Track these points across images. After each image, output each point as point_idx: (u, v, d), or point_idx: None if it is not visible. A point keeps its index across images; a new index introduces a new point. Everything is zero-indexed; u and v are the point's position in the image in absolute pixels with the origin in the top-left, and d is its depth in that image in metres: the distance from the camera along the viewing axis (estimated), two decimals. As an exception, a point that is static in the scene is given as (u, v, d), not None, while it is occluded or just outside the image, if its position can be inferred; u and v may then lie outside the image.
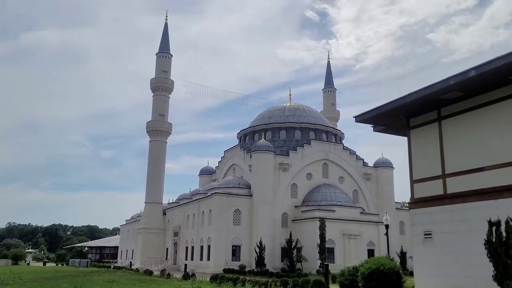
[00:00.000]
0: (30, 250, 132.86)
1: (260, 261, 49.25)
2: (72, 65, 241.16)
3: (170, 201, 74.04)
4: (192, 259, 58.09)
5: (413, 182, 18.49)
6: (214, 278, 29.90)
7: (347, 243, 53.38)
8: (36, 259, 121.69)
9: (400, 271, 14.05)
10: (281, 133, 64.46)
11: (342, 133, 69.03)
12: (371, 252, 54.99)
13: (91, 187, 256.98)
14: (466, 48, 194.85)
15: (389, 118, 19.61)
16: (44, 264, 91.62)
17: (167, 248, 67.97)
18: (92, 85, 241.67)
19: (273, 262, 52.34)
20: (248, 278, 27.58)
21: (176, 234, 65.11)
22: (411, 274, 53.50)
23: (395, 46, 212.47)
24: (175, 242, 65.08)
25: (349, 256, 52.64)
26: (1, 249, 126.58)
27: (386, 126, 20.63)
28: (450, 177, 16.76)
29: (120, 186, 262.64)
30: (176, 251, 64.56)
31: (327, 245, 48.70)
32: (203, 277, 33.57)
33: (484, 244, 12.80)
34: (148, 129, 72.04)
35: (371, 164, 64.44)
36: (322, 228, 46.45)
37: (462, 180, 16.28)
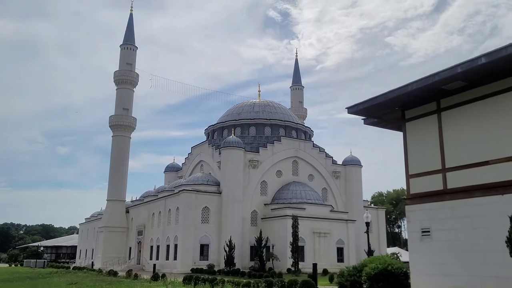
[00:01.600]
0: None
1: (229, 260, 47.85)
2: (28, 58, 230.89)
3: (133, 199, 71.39)
4: (157, 258, 55.92)
5: (409, 177, 17.63)
6: (188, 279, 28.30)
7: (317, 241, 52.82)
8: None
9: (408, 270, 13.08)
10: (251, 129, 63.24)
11: (312, 130, 68.60)
12: (340, 250, 54.78)
13: (47, 185, 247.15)
14: (423, 52, 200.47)
15: (383, 110, 18.71)
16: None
17: (130, 248, 65.35)
18: (49, 79, 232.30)
19: (242, 261, 51.12)
20: (226, 279, 26.15)
21: (140, 232, 62.65)
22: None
23: (355, 48, 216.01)
24: (139, 241, 62.62)
25: (318, 254, 52.19)
26: None
27: (379, 118, 19.74)
28: (451, 172, 15.97)
29: (77, 184, 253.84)
30: (140, 251, 62.12)
31: (297, 244, 47.89)
32: (174, 277, 31.82)
33: (506, 242, 11.99)
34: (111, 123, 69.02)
35: (339, 162, 64.28)
36: (295, 226, 45.59)
37: (464, 174, 15.51)
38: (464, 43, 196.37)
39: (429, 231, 16.34)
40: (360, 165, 63.92)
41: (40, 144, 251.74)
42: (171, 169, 72.08)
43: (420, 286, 16.15)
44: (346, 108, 19.21)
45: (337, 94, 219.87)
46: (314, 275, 21.24)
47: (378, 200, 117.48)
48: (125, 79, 69.91)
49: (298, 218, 48.32)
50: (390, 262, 13.06)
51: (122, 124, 68.45)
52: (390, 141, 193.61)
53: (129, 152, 70.17)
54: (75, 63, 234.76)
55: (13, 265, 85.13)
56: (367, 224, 29.01)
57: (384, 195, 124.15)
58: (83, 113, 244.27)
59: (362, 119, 20.54)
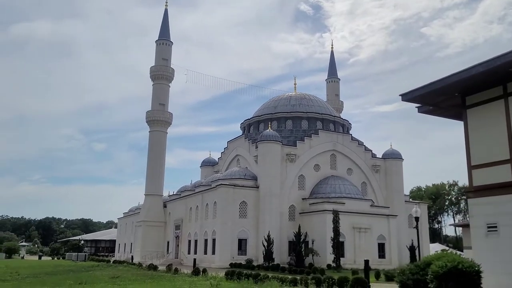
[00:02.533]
0: (23, 243, 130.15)
1: (268, 255, 47.17)
2: (64, 57, 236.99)
3: (170, 194, 71.83)
4: (195, 253, 55.91)
5: (471, 168, 16.37)
6: (230, 274, 27.73)
7: (357, 237, 51.46)
8: (30, 252, 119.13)
9: (480, 268, 11.96)
10: (287, 123, 62.25)
11: (350, 123, 66.97)
12: (381, 246, 53.22)
13: (84, 181, 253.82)
14: (460, 42, 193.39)
15: (441, 97, 17.46)
16: (40, 258, 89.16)
17: (168, 242, 65.75)
18: (83, 78, 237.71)
19: (281, 256, 50.33)
20: (270, 275, 25.40)
21: (177, 227, 62.88)
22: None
23: (389, 40, 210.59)
24: (177, 236, 62.87)
25: (359, 250, 50.88)
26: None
27: (435, 106, 18.47)
28: (522, 162, 14.65)
29: (113, 180, 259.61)
30: (178, 245, 62.36)
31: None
32: (216, 272, 31.37)
33: None
34: (148, 118, 69.50)
35: (379, 155, 62.47)
36: (336, 221, 44.45)
37: (538, 164, 14.19)
38: (505, 32, 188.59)
39: (496, 227, 15.08)
40: (401, 159, 61.92)
41: (77, 141, 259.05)
42: (207, 163, 72.01)
43: (488, 286, 14.94)
44: (400, 95, 18.08)
45: (371, 88, 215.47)
46: (366, 272, 20.20)
47: (417, 195, 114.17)
48: (161, 74, 70.19)
49: (338, 213, 47.15)
50: (459, 259, 11.94)
51: (158, 119, 68.81)
52: (427, 134, 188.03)
53: (165, 147, 70.53)
54: (108, 62, 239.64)
55: (55, 258, 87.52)
56: (417, 219, 27.63)
57: (423, 189, 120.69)
58: (117, 111, 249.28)
59: (416, 107, 19.33)
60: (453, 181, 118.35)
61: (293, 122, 62.17)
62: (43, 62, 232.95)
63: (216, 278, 28.51)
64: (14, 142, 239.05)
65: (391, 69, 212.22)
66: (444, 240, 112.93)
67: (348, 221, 49.99)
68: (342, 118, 66.38)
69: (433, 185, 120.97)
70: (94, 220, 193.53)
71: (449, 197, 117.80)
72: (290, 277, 23.62)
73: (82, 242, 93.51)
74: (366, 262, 20.56)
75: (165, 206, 68.58)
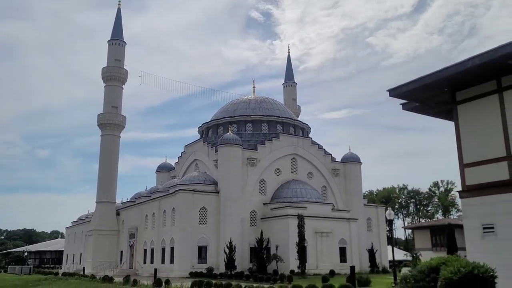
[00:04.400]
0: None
1: (230, 262, 45.51)
2: (5, 59, 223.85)
3: (123, 201, 68.46)
4: (152, 262, 53.24)
5: (463, 166, 15.62)
6: (198, 284, 25.92)
7: (319, 241, 50.85)
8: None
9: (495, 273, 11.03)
10: (247, 126, 60.95)
11: (309, 127, 66.62)
12: (342, 250, 52.92)
13: (26, 189, 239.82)
14: (404, 52, 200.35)
15: (429, 92, 16.66)
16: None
17: (122, 251, 62.40)
18: (27, 81, 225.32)
19: (242, 263, 48.74)
20: (243, 285, 23.84)
21: (132, 235, 59.78)
22: (383, 271, 52.08)
23: (337, 48, 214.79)
24: (131, 245, 59.74)
25: (321, 255, 50.34)
26: None
27: (421, 102, 17.70)
28: (520, 158, 14.01)
29: (57, 188, 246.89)
30: (132, 254, 59.26)
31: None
32: (179, 282, 29.35)
33: None
34: (100, 122, 65.97)
35: (338, 159, 62.47)
36: (301, 226, 43.50)
37: (537, 161, 13.58)
38: (444, 43, 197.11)
39: (493, 228, 14.34)
40: (360, 162, 62.18)
41: (19, 148, 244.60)
42: (163, 169, 69.30)
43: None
44: (387, 90, 17.14)
45: (320, 95, 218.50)
46: (352, 278, 19.09)
47: (369, 198, 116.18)
48: (114, 75, 66.99)
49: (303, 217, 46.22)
50: (473, 264, 10.95)
51: (111, 122, 65.49)
52: (374, 141, 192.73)
53: (118, 151, 67.19)
54: (54, 65, 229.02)
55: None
56: (391, 222, 26.98)
57: (375, 193, 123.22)
58: (63, 116, 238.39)
59: (401, 104, 18.54)
60: (403, 184, 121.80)
61: (253, 126, 60.97)
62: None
63: (182, 289, 26.63)
64: None
65: (340, 76, 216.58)
66: (396, 242, 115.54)
67: (310, 225, 49.15)
68: (302, 122, 65.92)
69: (384, 188, 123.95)
70: (37, 230, 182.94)
71: (399, 201, 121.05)
72: (266, 286, 22.15)
73: (26, 253, 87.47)
74: (352, 268, 19.45)
75: (118, 214, 65.19)
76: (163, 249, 51.46)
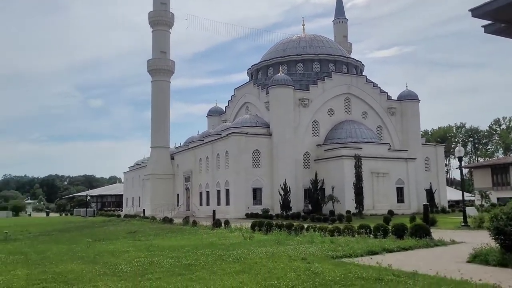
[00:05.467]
0: (29, 201, 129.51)
1: (285, 204, 45.57)
2: (53, 12, 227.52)
3: (177, 146, 69.64)
4: (207, 204, 54.46)
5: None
6: (258, 225, 25.80)
7: (375, 182, 49.69)
8: (36, 209, 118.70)
9: None
10: (298, 66, 58.96)
11: (363, 64, 63.67)
12: (400, 191, 51.67)
13: (83, 137, 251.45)
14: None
15: (521, 10, 14.57)
16: (47, 215, 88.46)
17: (178, 194, 64.25)
18: (75, 33, 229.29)
19: (297, 204, 48.68)
20: (305, 225, 23.42)
21: (187, 179, 61.10)
22: (442, 211, 50.62)
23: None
24: (187, 188, 61.23)
25: (377, 196, 49.36)
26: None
27: (508, 23, 15.63)
28: None
29: (112, 136, 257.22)
30: (188, 197, 60.86)
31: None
32: (241, 224, 29.47)
33: None
34: (150, 68, 66.07)
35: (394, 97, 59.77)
36: (358, 167, 42.45)
37: None
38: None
39: None
40: (418, 100, 59.24)
41: (73, 98, 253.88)
42: (214, 113, 69.30)
43: None
44: (470, 10, 15.21)
45: (368, 33, 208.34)
46: (425, 217, 18.10)
47: (425, 138, 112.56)
48: (161, 20, 66.11)
49: (354, 158, 45.03)
50: None
51: (161, 68, 65.44)
52: (427, 78, 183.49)
53: (169, 97, 67.59)
54: (100, 15, 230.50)
55: (63, 215, 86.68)
56: (460, 159, 25.32)
57: (430, 133, 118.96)
58: (112, 66, 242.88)
59: (483, 26, 16.56)
60: (460, 123, 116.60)
61: (304, 65, 58.89)
62: (31, 17, 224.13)
63: (242, 229, 26.68)
64: (11, 100, 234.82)
65: (388, 12, 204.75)
66: (452, 183, 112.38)
67: (366, 166, 47.79)
68: (355, 59, 62.97)
69: (440, 128, 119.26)
70: (97, 176, 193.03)
71: (456, 140, 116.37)
72: (330, 226, 21.59)
73: (89, 198, 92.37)
74: (426, 206, 18.39)
75: (172, 159, 66.60)
76: (218, 192, 52.27)
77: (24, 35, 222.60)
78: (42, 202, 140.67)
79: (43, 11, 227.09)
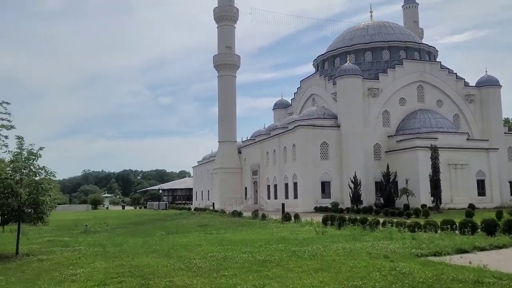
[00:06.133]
0: (106, 195, 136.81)
1: (355, 197, 44.14)
2: (121, 14, 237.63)
3: (243, 140, 70.04)
4: (275, 198, 54.16)
5: None
6: (330, 219, 24.96)
7: (453, 174, 46.78)
8: (113, 203, 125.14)
9: None
10: (366, 55, 56.80)
11: (436, 50, 60.12)
12: (480, 183, 48.35)
13: (153, 134, 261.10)
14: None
15: None
16: (123, 208, 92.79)
17: (246, 188, 64.60)
18: (143, 34, 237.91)
19: (368, 198, 47.01)
20: (381, 219, 22.26)
21: (255, 172, 61.20)
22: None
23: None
24: (255, 181, 61.34)
25: (455, 189, 46.45)
26: (80, 195, 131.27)
27: None
28: None
29: (180, 132, 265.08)
30: (256, 190, 60.95)
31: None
32: (311, 218, 28.77)
33: None
34: (216, 63, 66.77)
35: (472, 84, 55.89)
36: (435, 158, 40.02)
37: None
38: None
39: None
40: (499, 85, 54.97)
41: (144, 97, 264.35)
42: (280, 106, 68.81)
43: None
44: None
45: (440, 17, 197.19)
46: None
47: (507, 127, 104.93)
48: (226, 15, 66.50)
49: (429, 149, 42.48)
50: None
51: (226, 63, 65.91)
52: (505, 63, 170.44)
53: (235, 91, 67.93)
54: (165, 15, 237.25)
55: (137, 208, 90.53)
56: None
57: (511, 121, 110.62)
58: (179, 63, 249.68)
59: None
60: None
61: (373, 54, 56.62)
62: (104, 19, 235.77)
63: (313, 224, 25.99)
64: (87, 101, 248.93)
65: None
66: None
67: (442, 157, 44.84)
68: (427, 45, 59.51)
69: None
70: (167, 171, 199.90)
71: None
72: (408, 221, 20.31)
73: (161, 191, 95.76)
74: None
75: (239, 152, 67.05)
76: (286, 185, 51.79)
77: (95, 38, 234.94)
78: (118, 196, 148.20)
79: (111, 14, 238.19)
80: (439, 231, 17.25)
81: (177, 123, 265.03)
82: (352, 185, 44.68)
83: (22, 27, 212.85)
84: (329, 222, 24.73)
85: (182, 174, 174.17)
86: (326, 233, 20.44)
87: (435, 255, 12.52)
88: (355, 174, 45.14)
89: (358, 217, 23.18)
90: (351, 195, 44.59)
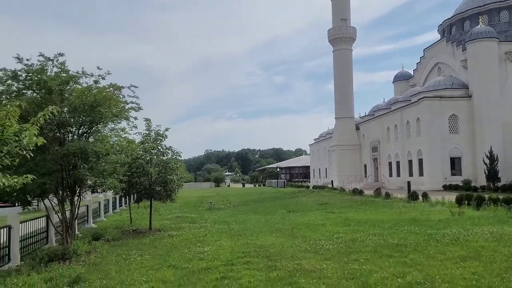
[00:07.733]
0: (227, 173, 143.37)
1: (492, 174, 39.62)
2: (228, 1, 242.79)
3: (361, 115, 67.37)
4: (398, 175, 51.26)
5: None
6: (466, 198, 22.50)
7: None
8: (233, 181, 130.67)
9: None
10: (502, 14, 50.23)
11: None
12: None
13: (269, 113, 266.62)
14: None
15: None
16: (243, 186, 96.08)
17: (365, 165, 62.25)
18: (255, 15, 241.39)
19: (507, 175, 41.90)
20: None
21: (374, 149, 58.56)
22: None
23: None
24: (375, 158, 58.74)
25: None
26: (203, 173, 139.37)
27: None
28: None
29: (295, 110, 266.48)
30: (377, 168, 58.37)
31: None
32: (442, 197, 26.38)
33: None
34: (331, 37, 64.62)
35: None
36: None
37: None
38: None
39: None
40: None
41: (258, 76, 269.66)
42: (401, 78, 64.50)
43: None
44: None
45: None
46: None
47: None
48: (339, -15, 63.71)
49: None
50: None
51: (342, 36, 63.40)
52: None
53: (352, 64, 65.28)
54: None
55: (256, 186, 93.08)
56: None
57: None
58: (290, 42, 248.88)
59: None
60: None
61: (510, 13, 49.86)
62: (213, 7, 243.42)
63: (445, 203, 23.73)
64: (207, 84, 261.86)
65: None
66: None
67: None
68: None
69: None
70: (284, 149, 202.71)
71: None
72: None
73: (278, 169, 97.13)
74: None
75: (357, 129, 64.65)
76: (410, 162, 48.61)
77: (208, 24, 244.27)
78: (238, 174, 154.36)
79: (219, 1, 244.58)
80: None
81: (292, 101, 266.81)
82: (487, 161, 40.22)
83: (143, 19, 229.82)
84: (465, 201, 22.31)
85: (299, 152, 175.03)
86: (463, 214, 18.36)
87: None
88: (490, 149, 40.54)
89: (500, 197, 20.51)
90: (486, 171, 40.18)
